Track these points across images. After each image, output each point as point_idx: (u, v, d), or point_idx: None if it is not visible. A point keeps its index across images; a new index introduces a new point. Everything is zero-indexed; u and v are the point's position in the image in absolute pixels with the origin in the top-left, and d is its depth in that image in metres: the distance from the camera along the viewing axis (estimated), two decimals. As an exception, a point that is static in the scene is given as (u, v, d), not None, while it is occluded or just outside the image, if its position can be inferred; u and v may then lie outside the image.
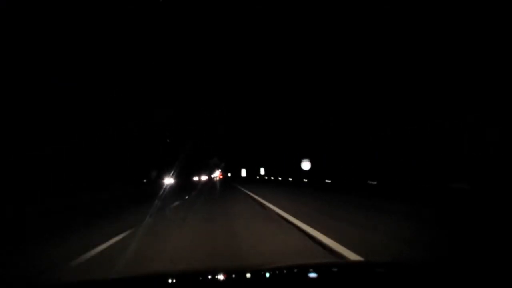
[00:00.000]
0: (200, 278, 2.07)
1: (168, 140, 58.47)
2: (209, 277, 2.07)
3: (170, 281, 2.06)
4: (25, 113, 21.96)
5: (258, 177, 69.67)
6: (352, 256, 4.31)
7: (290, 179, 37.86)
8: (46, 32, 22.51)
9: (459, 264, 2.22)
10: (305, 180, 31.25)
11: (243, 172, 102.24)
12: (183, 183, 46.74)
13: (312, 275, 1.98)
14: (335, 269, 2.12)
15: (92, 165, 29.27)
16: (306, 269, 2.14)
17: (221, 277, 2.07)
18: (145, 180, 38.31)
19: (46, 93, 23.17)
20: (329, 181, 23.88)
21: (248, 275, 2.05)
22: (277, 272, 2.08)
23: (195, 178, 75.25)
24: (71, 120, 25.98)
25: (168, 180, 40.90)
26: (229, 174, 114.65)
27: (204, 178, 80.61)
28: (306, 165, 34.39)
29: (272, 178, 51.48)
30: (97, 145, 29.84)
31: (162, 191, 22.31)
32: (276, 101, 48.43)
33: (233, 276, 2.09)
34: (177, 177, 51.64)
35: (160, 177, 42.47)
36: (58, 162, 23.95)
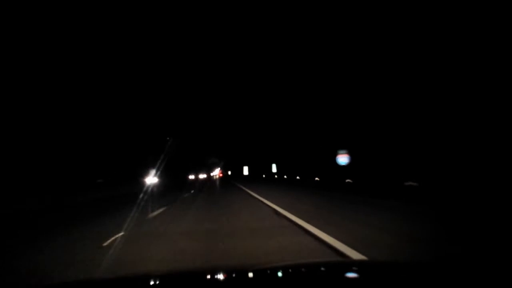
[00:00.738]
0: (200, 278, 1.94)
1: (168, 138, 51.81)
2: (209, 276, 1.98)
3: (169, 281, 1.92)
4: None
5: (264, 176, 59.44)
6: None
7: (317, 179, 27.44)
8: (45, 32, 23.19)
9: (462, 264, 2.12)
10: (349, 180, 20.86)
11: (245, 170, 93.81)
12: (174, 183, 36.52)
13: (316, 274, 1.86)
14: (339, 268, 2.02)
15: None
16: (309, 268, 2.07)
17: (221, 276, 1.94)
18: (100, 181, 26.88)
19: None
20: (415, 184, 13.46)
21: (250, 275, 1.93)
22: (279, 271, 2.00)
23: (191, 177, 65.52)
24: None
25: (151, 180, 30.66)
26: (229, 172, 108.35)
27: (202, 176, 72.34)
28: (343, 158, 24.14)
29: (286, 176, 41.06)
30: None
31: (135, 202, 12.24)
32: (294, 83, 38.23)
33: (234, 275, 1.98)
34: (165, 176, 41.53)
35: (141, 176, 32.06)
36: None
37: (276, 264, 2.29)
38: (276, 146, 47.34)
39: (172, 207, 10.93)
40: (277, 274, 1.91)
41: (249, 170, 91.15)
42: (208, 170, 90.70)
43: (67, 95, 28.25)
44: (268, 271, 1.98)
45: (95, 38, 30.69)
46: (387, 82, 21.76)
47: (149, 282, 1.88)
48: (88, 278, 3.06)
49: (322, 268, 2.03)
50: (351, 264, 2.54)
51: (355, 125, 23.80)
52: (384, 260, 3.17)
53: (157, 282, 1.86)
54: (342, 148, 24.54)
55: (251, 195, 14.52)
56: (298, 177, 34.72)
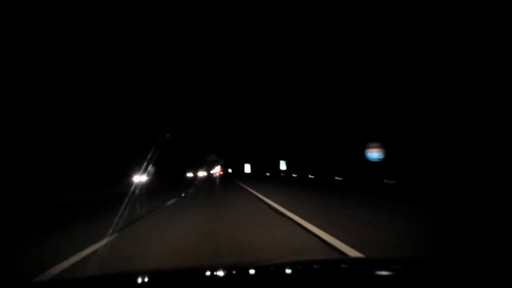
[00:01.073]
0: (201, 275, 1.89)
1: (168, 135, 48.65)
2: (209, 274, 1.93)
3: (171, 277, 1.86)
4: None
5: (268, 174, 54.72)
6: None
7: (339, 178, 22.58)
8: (44, 32, 22.30)
9: (460, 262, 2.03)
10: (389, 181, 15.96)
11: (247, 168, 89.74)
12: (169, 182, 31.80)
13: (313, 271, 1.85)
14: (335, 266, 2.03)
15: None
16: (306, 265, 2.05)
17: (221, 273, 1.91)
18: (75, 180, 19.78)
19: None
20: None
21: (249, 272, 1.90)
22: (277, 268, 1.94)
23: (189, 175, 60.98)
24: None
25: (140, 178, 25.95)
26: (230, 170, 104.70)
27: (201, 174, 68.05)
28: (375, 153, 19.35)
29: (295, 175, 36.25)
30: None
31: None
32: (304, 66, 33.46)
33: (234, 272, 1.96)
34: (160, 174, 36.82)
35: (129, 175, 27.24)
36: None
37: (274, 262, 2.19)
38: (283, 140, 42.43)
39: (136, 229, 6.17)
40: (275, 272, 1.86)
41: (251, 168, 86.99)
42: (208, 168, 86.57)
43: (46, 87, 24.05)
44: (267, 269, 1.94)
45: (83, 31, 27.12)
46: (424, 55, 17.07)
47: (150, 280, 1.77)
48: (88, 276, 2.86)
49: (320, 266, 2.02)
50: (347, 262, 2.58)
51: (391, 110, 18.96)
52: (381, 258, 3.13)
53: (159, 280, 1.79)
54: (373, 140, 19.77)
55: (268, 205, 9.71)
56: (311, 176, 29.95)
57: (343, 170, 22.27)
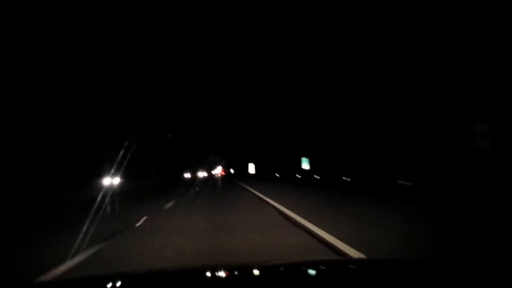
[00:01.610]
0: (202, 275, 1.88)
1: (170, 136, 49.67)
2: (209, 274, 1.92)
3: (172, 278, 1.81)
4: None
5: (278, 175, 47.38)
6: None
7: (401, 183, 14.78)
8: (40, 31, 20.84)
9: (461, 262, 2.00)
10: None
11: (251, 168, 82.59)
12: (159, 185, 24.58)
13: (314, 272, 1.83)
14: (337, 267, 1.99)
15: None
16: (307, 266, 2.01)
17: (222, 274, 1.89)
18: None
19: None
20: None
21: (252, 272, 1.89)
22: (277, 269, 1.93)
23: (187, 176, 54.15)
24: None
25: (110, 181, 18.68)
26: (232, 171, 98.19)
27: (202, 174, 62.33)
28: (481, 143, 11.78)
29: (318, 176, 28.60)
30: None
31: None
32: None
33: (235, 273, 1.92)
34: (150, 175, 29.55)
35: (100, 176, 19.83)
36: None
37: (276, 262, 2.18)
38: (300, 135, 34.78)
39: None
40: (276, 272, 1.83)
41: (256, 168, 79.78)
42: (209, 168, 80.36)
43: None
44: (269, 269, 1.90)
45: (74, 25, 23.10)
46: None
47: (151, 280, 1.75)
48: (88, 276, 2.82)
49: (322, 266, 1.98)
50: (350, 262, 2.53)
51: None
52: (384, 258, 3.05)
53: (160, 280, 1.74)
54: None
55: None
56: (346, 178, 22.40)
57: (411, 170, 14.65)
